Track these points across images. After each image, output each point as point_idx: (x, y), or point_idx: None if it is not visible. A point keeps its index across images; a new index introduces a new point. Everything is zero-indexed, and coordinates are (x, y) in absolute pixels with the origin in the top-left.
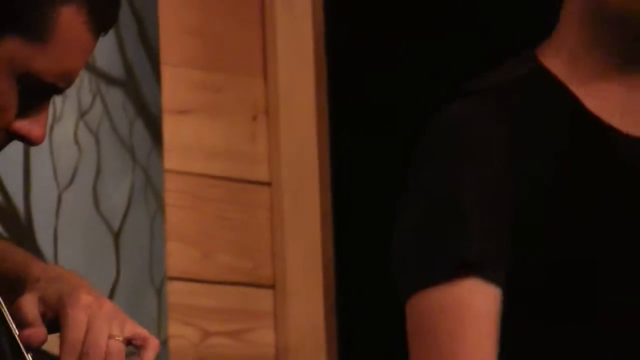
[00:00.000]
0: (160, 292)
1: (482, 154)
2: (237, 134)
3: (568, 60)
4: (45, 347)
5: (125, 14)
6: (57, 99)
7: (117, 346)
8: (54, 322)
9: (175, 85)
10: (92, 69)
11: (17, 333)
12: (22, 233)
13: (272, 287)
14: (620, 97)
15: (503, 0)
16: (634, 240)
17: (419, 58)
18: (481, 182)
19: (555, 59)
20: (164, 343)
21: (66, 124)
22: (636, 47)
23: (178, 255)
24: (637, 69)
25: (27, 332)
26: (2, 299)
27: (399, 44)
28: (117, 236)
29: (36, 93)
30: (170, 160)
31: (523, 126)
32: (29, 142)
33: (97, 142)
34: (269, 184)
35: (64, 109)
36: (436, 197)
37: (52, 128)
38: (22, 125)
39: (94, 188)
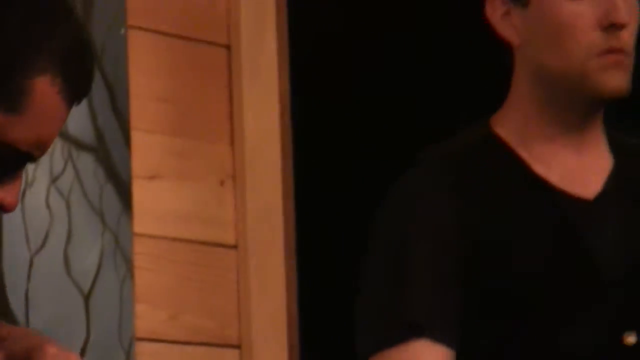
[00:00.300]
0: (129, 353)
1: (433, 220)
2: (205, 199)
3: (518, 127)
4: None
5: (97, 84)
6: (29, 165)
7: None
8: None
9: (145, 151)
10: (63, 135)
11: None
12: None
13: (238, 347)
14: (567, 160)
15: (459, 74)
16: (581, 299)
17: (380, 126)
18: (432, 248)
19: (506, 127)
20: None
21: (38, 189)
22: (581, 111)
23: (146, 317)
24: (583, 133)
25: None
26: None
27: (361, 112)
28: (87, 298)
29: (11, 162)
30: (140, 225)
31: (474, 191)
32: (2, 209)
33: (68, 206)
34: (235, 246)
35: (35, 174)
36: (389, 261)
37: (24, 193)
38: None
39: (65, 251)
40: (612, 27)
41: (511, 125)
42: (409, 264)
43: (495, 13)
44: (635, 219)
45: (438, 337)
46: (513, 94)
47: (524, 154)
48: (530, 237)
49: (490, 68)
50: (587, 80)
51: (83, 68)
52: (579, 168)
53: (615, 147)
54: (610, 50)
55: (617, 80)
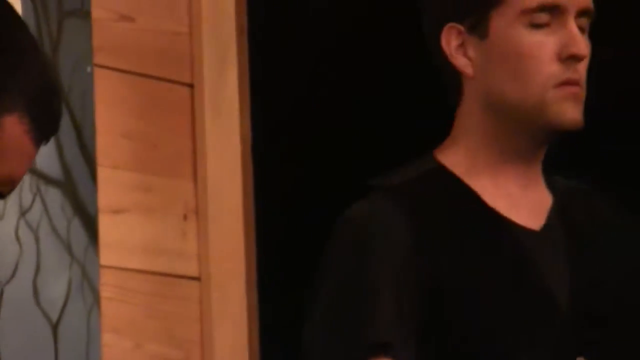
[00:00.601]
0: None
1: (388, 245)
2: (169, 232)
3: (465, 158)
4: None
5: (64, 120)
6: None
7: None
8: None
9: (111, 186)
10: (32, 170)
11: None
12: None
13: None
14: (513, 191)
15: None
16: (537, 326)
17: (341, 161)
18: (388, 272)
19: (453, 158)
20: None
21: (7, 223)
22: (531, 143)
23: (113, 345)
24: (528, 166)
25: None
26: None
27: (320, 148)
28: (55, 327)
29: None
30: (106, 257)
31: (426, 220)
32: None
33: (37, 239)
34: (198, 278)
35: (5, 208)
36: (345, 285)
37: None
38: None
39: (34, 282)
40: (570, 59)
41: (458, 156)
42: (365, 287)
43: (450, 44)
44: (578, 253)
45: (397, 355)
46: (460, 125)
47: (473, 184)
48: (486, 265)
49: (436, 103)
50: (545, 111)
51: (50, 107)
52: (524, 200)
53: (552, 185)
54: (568, 82)
55: (573, 113)
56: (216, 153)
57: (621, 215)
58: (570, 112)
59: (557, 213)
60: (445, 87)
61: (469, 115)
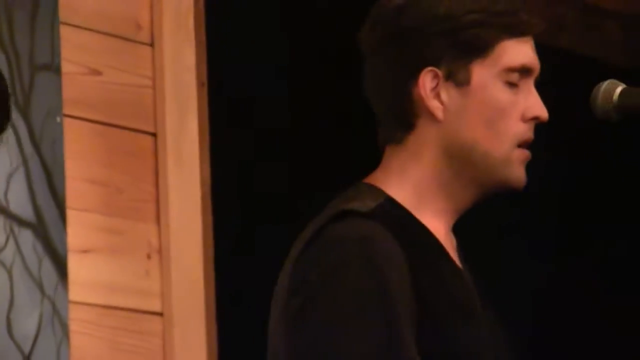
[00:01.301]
0: None
1: (396, 263)
2: (134, 270)
3: (413, 195)
4: None
5: (35, 166)
6: None
7: None
8: None
9: (80, 228)
10: (6, 212)
11: None
12: None
13: None
14: (446, 232)
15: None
16: (495, 354)
17: (293, 201)
18: (401, 290)
19: (401, 192)
20: None
21: None
22: (479, 194)
23: None
24: (459, 216)
25: None
26: None
27: (274, 197)
28: (27, 359)
29: None
30: (75, 293)
31: (409, 247)
32: None
33: (10, 277)
34: (161, 314)
35: None
36: (367, 305)
37: None
38: None
39: (8, 317)
40: (533, 120)
41: (406, 192)
42: (391, 303)
43: (425, 86)
44: (484, 300)
45: None
46: (408, 162)
47: (420, 220)
48: (455, 293)
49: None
50: (508, 168)
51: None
52: (451, 245)
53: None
54: (527, 144)
55: (524, 174)
56: (178, 197)
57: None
58: (523, 174)
59: (461, 255)
60: (383, 122)
61: (422, 155)
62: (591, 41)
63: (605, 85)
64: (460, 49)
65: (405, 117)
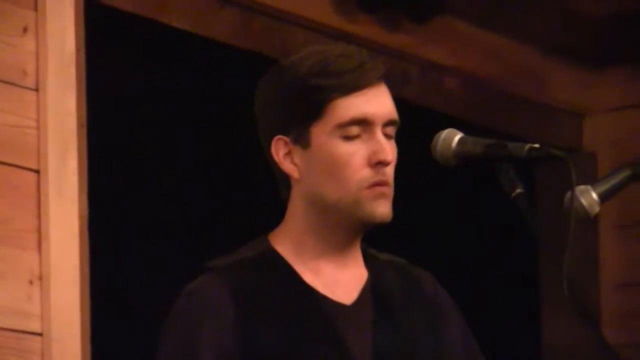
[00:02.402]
0: None
1: (211, 316)
2: (16, 295)
3: (293, 244)
4: None
5: None
6: None
7: None
8: None
9: None
10: None
11: None
12: None
13: None
14: (332, 272)
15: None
16: None
17: (168, 238)
18: (209, 340)
19: (283, 243)
20: None
21: None
22: (347, 234)
23: None
24: (346, 251)
25: None
26: None
27: (151, 226)
28: None
29: None
30: None
31: (251, 297)
32: None
33: None
34: (41, 334)
35: None
36: (174, 352)
37: None
38: None
39: None
40: (379, 164)
41: (287, 241)
42: (193, 352)
43: (279, 153)
44: (384, 324)
45: None
46: (289, 215)
47: (297, 266)
48: (298, 337)
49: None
50: (359, 208)
51: None
52: (342, 279)
53: (369, 262)
54: (378, 183)
55: (383, 208)
56: (58, 228)
57: (431, 287)
58: (380, 208)
59: (370, 288)
60: (278, 184)
61: (296, 208)
62: (432, 94)
63: (444, 133)
64: (301, 115)
65: (281, 178)
